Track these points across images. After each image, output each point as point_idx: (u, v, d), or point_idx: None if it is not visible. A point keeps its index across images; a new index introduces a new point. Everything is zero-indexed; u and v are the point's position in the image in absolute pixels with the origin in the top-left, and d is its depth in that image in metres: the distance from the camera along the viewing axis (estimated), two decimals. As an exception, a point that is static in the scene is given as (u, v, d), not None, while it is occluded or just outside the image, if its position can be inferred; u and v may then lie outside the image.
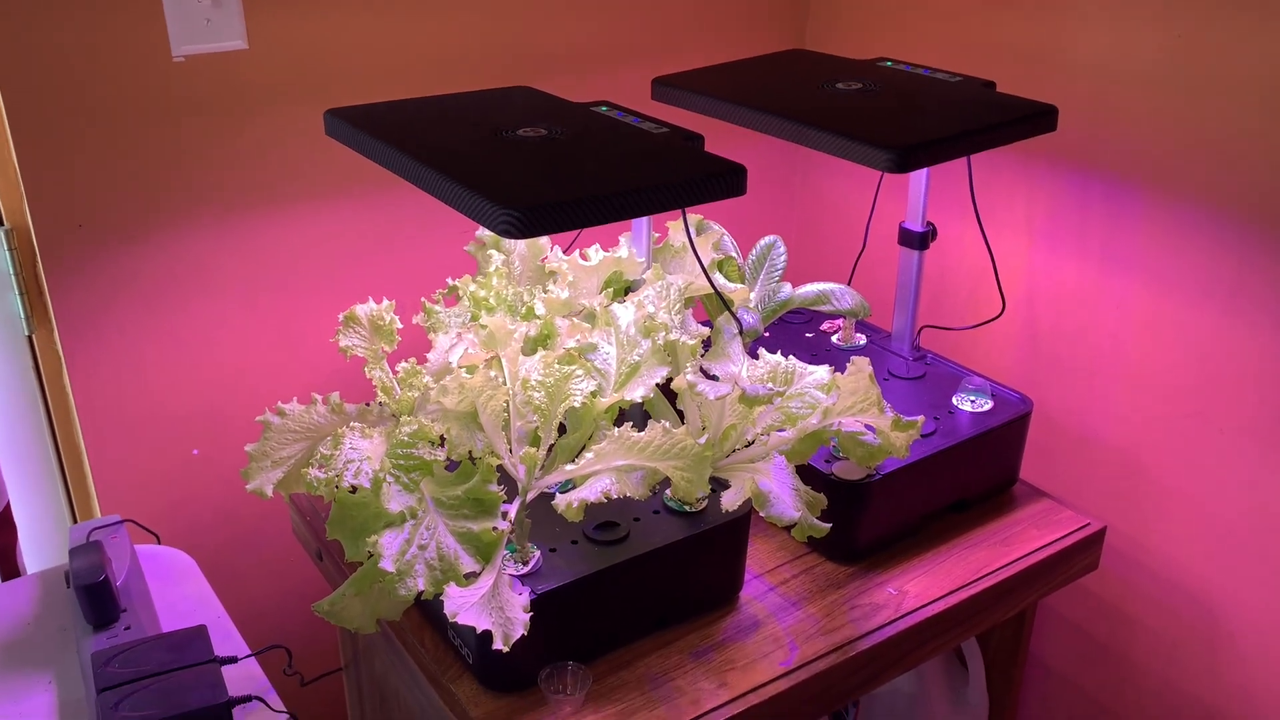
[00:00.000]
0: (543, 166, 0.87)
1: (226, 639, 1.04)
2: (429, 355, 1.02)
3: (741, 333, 1.09)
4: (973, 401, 1.20)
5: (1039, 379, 1.38)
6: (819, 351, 1.31)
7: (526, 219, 0.77)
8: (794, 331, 1.36)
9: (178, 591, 1.12)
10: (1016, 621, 1.27)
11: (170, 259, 1.20)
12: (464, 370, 0.91)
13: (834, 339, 1.34)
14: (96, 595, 0.98)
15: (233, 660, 0.96)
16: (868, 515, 1.08)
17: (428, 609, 1.01)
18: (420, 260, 1.36)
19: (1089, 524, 1.18)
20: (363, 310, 1.01)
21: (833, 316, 1.38)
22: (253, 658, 1.01)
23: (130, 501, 1.26)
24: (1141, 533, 1.31)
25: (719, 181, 0.85)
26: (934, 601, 1.06)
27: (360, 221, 1.30)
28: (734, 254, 1.18)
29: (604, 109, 1.05)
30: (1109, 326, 1.29)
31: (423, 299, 1.09)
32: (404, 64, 1.27)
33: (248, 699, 0.93)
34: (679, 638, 1.00)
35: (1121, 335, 1.28)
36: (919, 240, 1.24)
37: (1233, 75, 1.11)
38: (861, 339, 1.34)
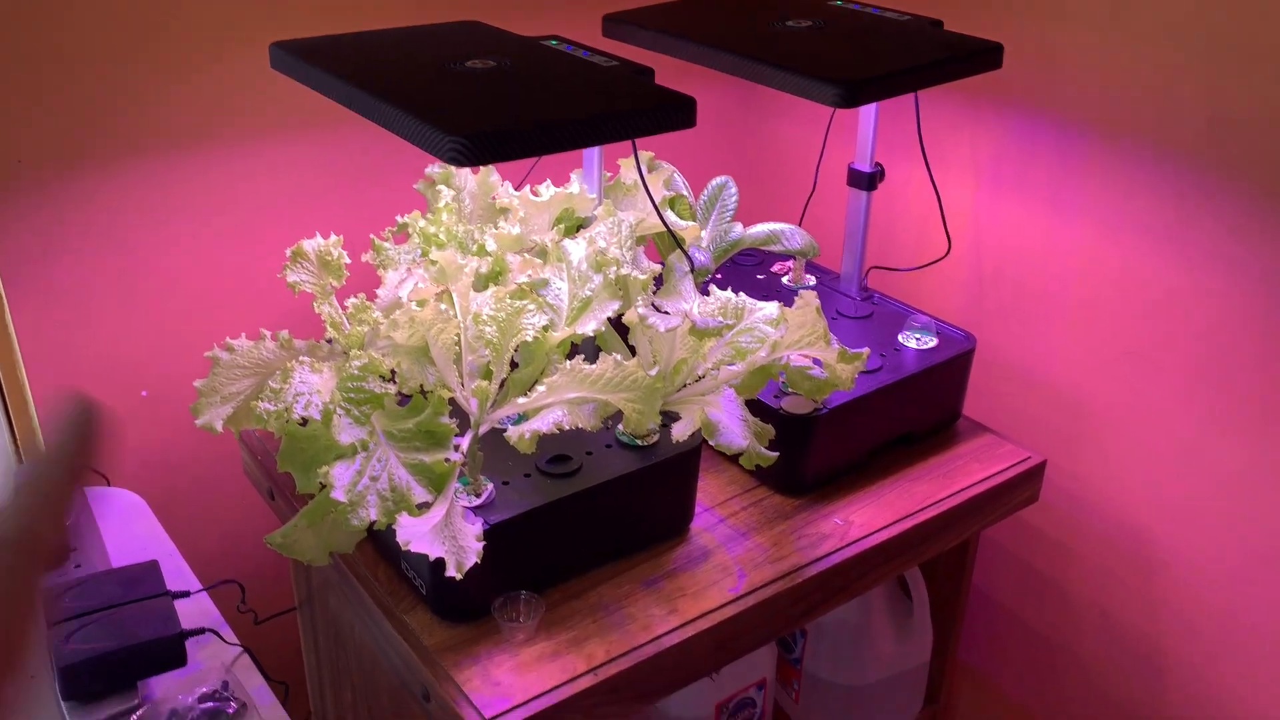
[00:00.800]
0: (491, 96, 0.87)
1: (179, 576, 1.04)
2: (379, 291, 1.02)
3: (693, 270, 1.10)
4: (918, 339, 1.22)
5: (983, 318, 1.41)
6: (769, 292, 1.33)
7: (474, 146, 0.77)
8: (745, 273, 1.37)
9: (129, 531, 1.12)
10: (959, 552, 1.31)
11: (115, 195, 1.18)
12: (414, 304, 0.91)
13: (784, 280, 1.35)
14: (45, 533, 0.98)
15: (185, 595, 0.96)
16: (815, 449, 1.10)
17: (381, 543, 1.02)
18: (369, 198, 1.35)
19: (1030, 457, 1.21)
20: (310, 245, 1.01)
21: (783, 257, 1.39)
22: (205, 593, 1.01)
23: (78, 443, 1.24)
24: (1080, 467, 1.35)
25: (668, 112, 0.86)
26: (878, 531, 1.09)
27: (308, 158, 1.29)
28: (685, 193, 1.19)
29: (553, 43, 1.04)
30: (1052, 266, 1.32)
31: (372, 236, 1.08)
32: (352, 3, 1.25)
33: (200, 631, 0.93)
34: (631, 567, 1.02)
35: (1064, 275, 1.31)
36: (867, 181, 1.25)
37: (1176, 17, 1.12)
38: (811, 280, 1.35)
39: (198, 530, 1.34)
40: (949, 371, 1.21)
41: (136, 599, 0.89)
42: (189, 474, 1.33)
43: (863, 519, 1.10)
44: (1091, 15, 1.19)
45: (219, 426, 0.95)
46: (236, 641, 0.96)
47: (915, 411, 1.20)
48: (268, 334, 0.99)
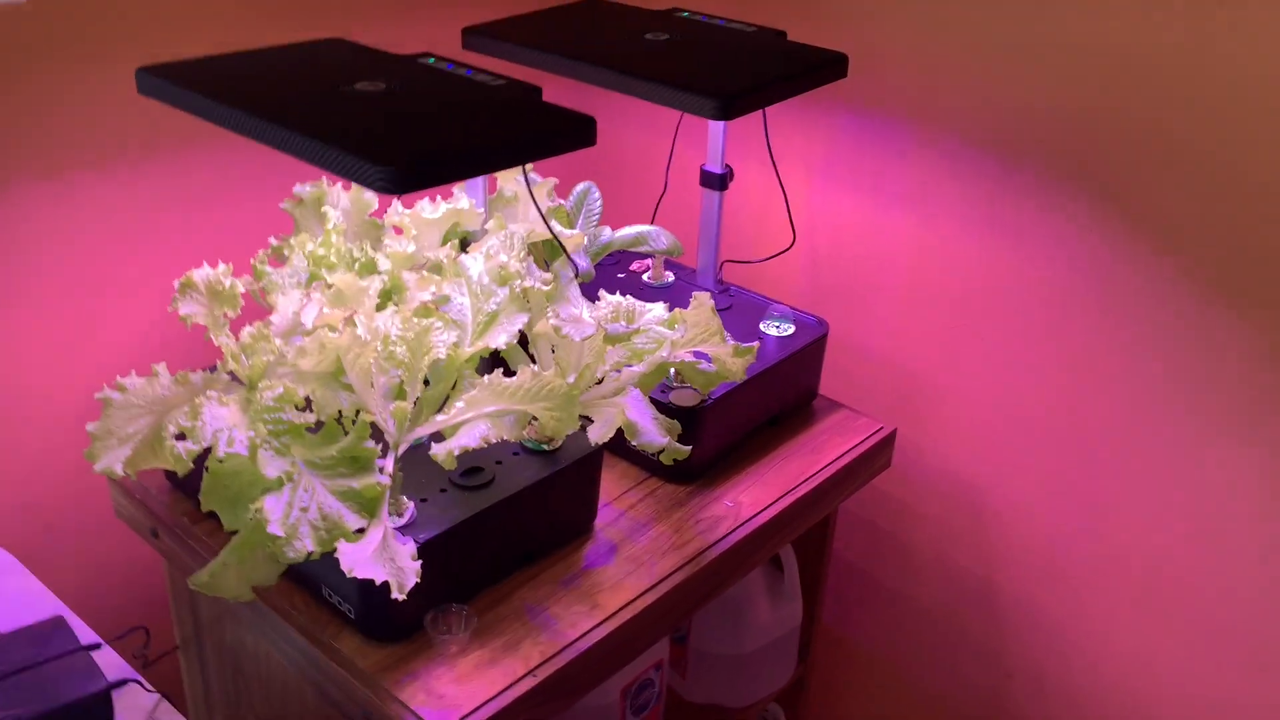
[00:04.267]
0: (402, 122, 0.88)
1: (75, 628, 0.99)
2: (272, 318, 1.00)
3: (576, 276, 1.14)
4: (778, 327, 1.31)
5: (823, 300, 1.52)
6: (632, 290, 1.38)
7: (404, 175, 0.78)
8: (607, 273, 1.42)
9: (1, 588, 1.05)
10: (822, 521, 1.42)
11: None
12: (327, 329, 0.91)
13: (645, 278, 1.41)
14: (-79, 602, 0.91)
15: (97, 647, 0.92)
16: (704, 437, 1.17)
17: (293, 572, 1.01)
18: (220, 222, 1.30)
19: (882, 428, 1.33)
20: (199, 275, 0.98)
21: (641, 256, 1.45)
22: (107, 645, 0.97)
23: (-83, 500, 1.15)
24: (918, 432, 1.49)
25: (574, 132, 0.89)
26: (766, 509, 1.17)
27: (151, 186, 1.23)
28: (562, 201, 1.22)
29: (431, 61, 1.05)
30: (881, 250, 1.44)
31: (252, 261, 1.06)
32: (189, 15, 1.20)
33: (123, 682, 0.90)
34: (546, 569, 1.06)
35: (892, 257, 1.44)
36: (719, 181, 1.33)
37: (982, 20, 1.26)
38: (670, 276, 1.42)
39: (61, 578, 1.26)
40: (807, 355, 1.31)
41: (53, 657, 0.85)
42: (44, 521, 1.25)
43: (749, 499, 1.18)
44: (910, 22, 1.31)
45: (119, 470, 0.91)
46: (154, 689, 0.93)
47: (781, 394, 1.29)
48: (159, 369, 0.96)
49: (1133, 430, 1.29)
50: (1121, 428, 1.30)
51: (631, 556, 1.08)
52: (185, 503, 1.11)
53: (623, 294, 1.34)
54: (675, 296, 1.35)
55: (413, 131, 0.86)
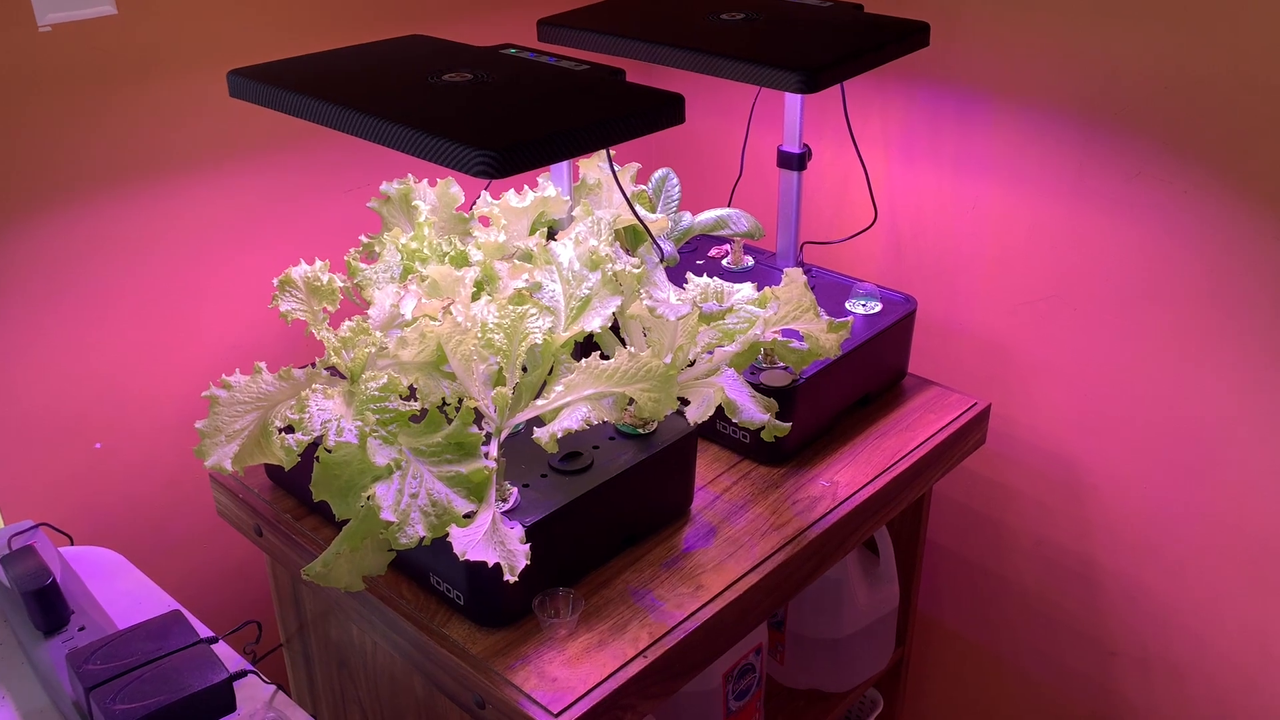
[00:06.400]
0: (495, 109, 0.88)
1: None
2: (370, 311, 1.01)
3: (661, 260, 1.14)
4: (864, 305, 1.30)
5: (907, 278, 1.50)
6: (713, 275, 1.37)
7: (502, 159, 0.78)
8: (685, 260, 1.41)
9: (115, 588, 1.08)
10: (916, 502, 1.40)
11: (45, 241, 1.12)
12: (427, 319, 0.92)
13: (724, 263, 1.41)
14: (46, 599, 0.94)
15: (214, 640, 0.94)
16: (797, 417, 1.15)
17: (400, 563, 1.02)
18: (303, 224, 1.33)
19: (976, 403, 1.31)
20: (298, 273, 1.00)
21: (719, 241, 1.44)
22: (220, 639, 0.99)
23: (32, 505, 1.18)
24: (1011, 408, 1.46)
25: (664, 110, 0.89)
26: (863, 488, 1.16)
27: (240, 189, 1.26)
28: (642, 187, 1.22)
29: (513, 51, 1.06)
30: (966, 225, 1.42)
31: (346, 258, 1.08)
32: (268, 22, 1.22)
33: (243, 674, 0.91)
34: (646, 552, 1.06)
35: (978, 231, 1.41)
36: (797, 161, 1.31)
37: (1064, -13, 1.23)
38: (749, 260, 1.41)
39: (169, 577, 1.29)
40: (896, 332, 1.29)
41: (174, 650, 0.87)
42: (150, 523, 1.28)
43: (846, 479, 1.17)
44: (987, -9, 1.29)
45: (229, 465, 0.93)
46: (270, 681, 0.95)
47: (871, 373, 1.28)
48: (262, 366, 0.97)
49: (1236, 399, 1.25)
50: (1224, 397, 1.26)
51: (731, 538, 1.08)
52: (288, 499, 1.13)
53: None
54: (756, 280, 1.34)
55: (507, 117, 0.86)
